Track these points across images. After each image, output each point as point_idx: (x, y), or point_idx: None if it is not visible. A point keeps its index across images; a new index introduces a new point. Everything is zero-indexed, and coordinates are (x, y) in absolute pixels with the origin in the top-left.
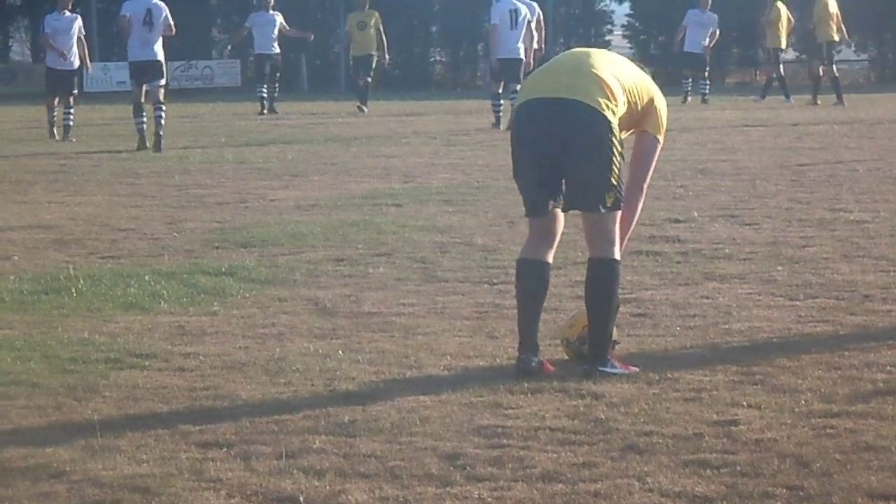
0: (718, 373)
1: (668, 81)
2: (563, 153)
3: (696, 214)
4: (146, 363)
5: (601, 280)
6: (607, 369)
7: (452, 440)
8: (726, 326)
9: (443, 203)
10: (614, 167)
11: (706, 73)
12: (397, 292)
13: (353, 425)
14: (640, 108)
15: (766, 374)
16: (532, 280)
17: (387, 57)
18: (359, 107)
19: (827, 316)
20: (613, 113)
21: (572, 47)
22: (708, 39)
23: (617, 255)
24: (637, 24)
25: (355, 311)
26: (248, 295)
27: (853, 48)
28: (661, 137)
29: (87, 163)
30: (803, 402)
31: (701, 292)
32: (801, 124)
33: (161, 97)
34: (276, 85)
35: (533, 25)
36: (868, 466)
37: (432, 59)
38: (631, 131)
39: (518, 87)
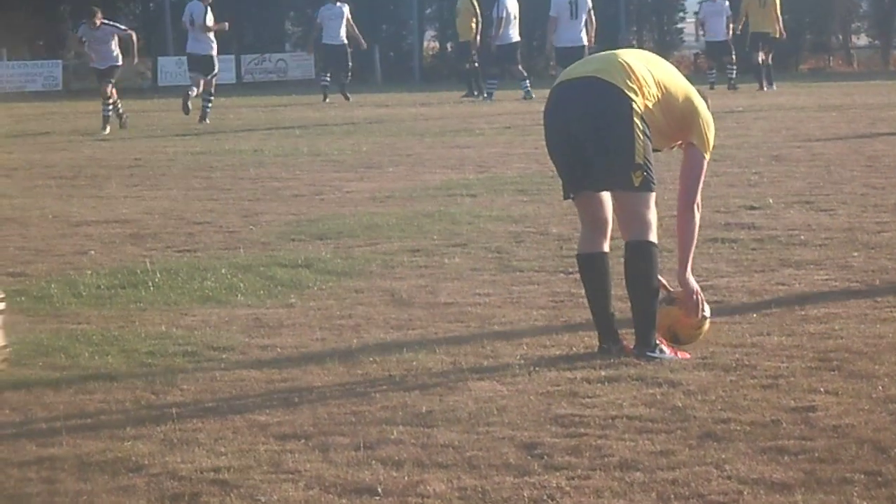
0: (795, 359)
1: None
2: (589, 131)
3: (770, 201)
4: (223, 356)
5: (638, 263)
6: (655, 354)
7: (530, 429)
8: (802, 313)
9: (517, 193)
10: (638, 145)
11: (733, 59)
12: (473, 282)
13: (430, 415)
14: (677, 109)
15: (843, 360)
16: (593, 274)
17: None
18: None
19: None
20: (638, 95)
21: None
22: (726, 27)
23: (652, 237)
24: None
25: (431, 302)
26: (324, 287)
27: None
28: (707, 154)
29: (162, 157)
30: (881, 387)
31: (777, 279)
32: (874, 108)
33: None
34: (349, 74)
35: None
36: None
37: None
38: (677, 143)
39: None
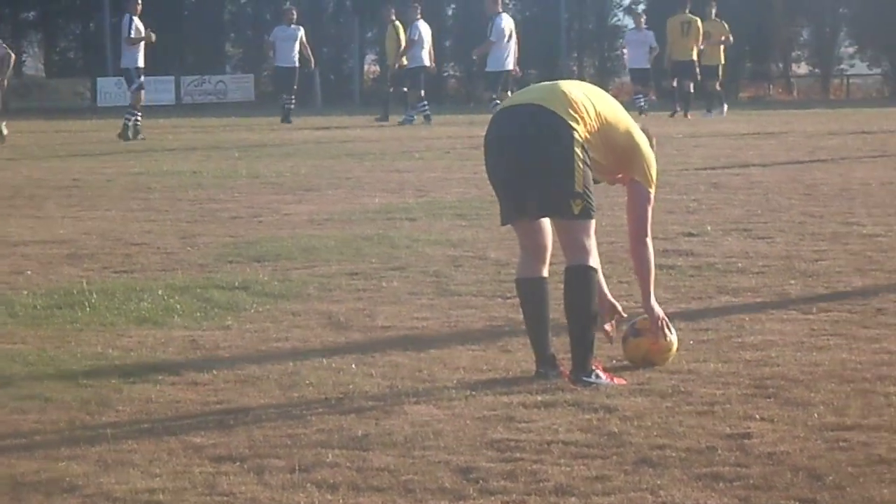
0: (731, 386)
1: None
2: (530, 158)
3: (709, 228)
4: (159, 377)
5: (577, 288)
6: (591, 379)
7: (465, 454)
8: (739, 340)
9: (456, 217)
10: (578, 174)
11: (650, 88)
12: (411, 306)
13: (366, 439)
14: (618, 142)
15: (779, 388)
16: (531, 299)
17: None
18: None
19: (840, 329)
20: (580, 125)
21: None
22: (649, 55)
23: (592, 263)
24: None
25: (369, 325)
26: (261, 309)
27: (867, 63)
28: (651, 189)
29: (101, 178)
30: (816, 415)
31: (714, 306)
32: (814, 137)
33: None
34: (293, 97)
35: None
36: (881, 479)
37: (446, 74)
38: (618, 177)
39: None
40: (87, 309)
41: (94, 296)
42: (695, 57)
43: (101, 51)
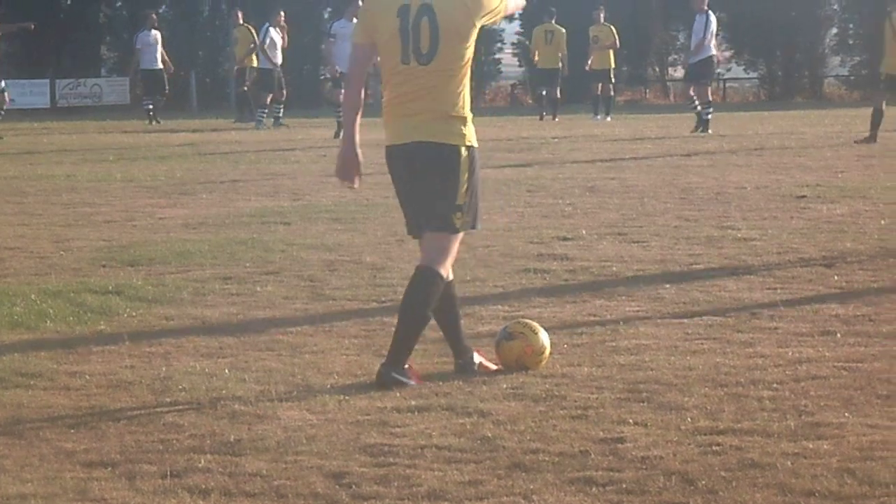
0: (605, 390)
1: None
2: (420, 177)
3: (584, 232)
4: (31, 382)
5: (422, 287)
6: (400, 377)
7: (338, 459)
8: (613, 344)
9: (332, 221)
10: (461, 190)
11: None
12: (285, 311)
13: (238, 444)
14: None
15: (653, 392)
16: (440, 303)
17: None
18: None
19: (714, 333)
20: (464, 125)
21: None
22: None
23: (445, 272)
24: (527, 43)
25: (242, 330)
26: (134, 314)
27: (743, 66)
28: None
29: None
30: (689, 419)
31: (588, 310)
32: (690, 141)
33: None
34: (163, 98)
35: None
36: (754, 484)
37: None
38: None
39: None
40: (48, 322)
41: (51, 309)
42: (559, 64)
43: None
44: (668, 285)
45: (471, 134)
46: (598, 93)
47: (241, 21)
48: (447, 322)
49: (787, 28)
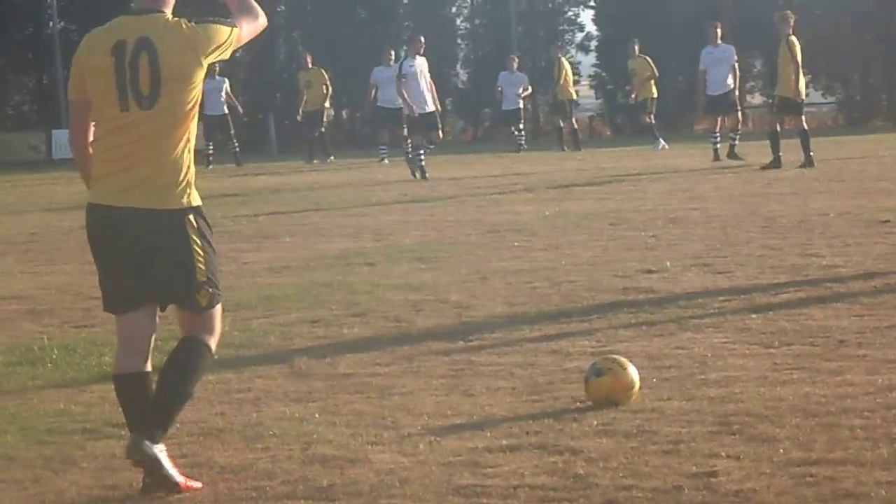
0: (696, 424)
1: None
2: (148, 249)
3: (668, 264)
4: (122, 433)
5: (189, 359)
6: (153, 450)
7: (432, 501)
8: (702, 377)
9: (415, 260)
10: (199, 263)
11: (520, 125)
12: (372, 353)
13: (331, 489)
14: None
15: (744, 424)
16: (131, 395)
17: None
18: (313, 159)
19: (802, 363)
20: (189, 185)
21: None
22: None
23: (212, 343)
24: (604, 75)
25: (331, 373)
26: (223, 360)
27: (821, 91)
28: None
29: (58, 232)
30: (781, 450)
31: (676, 343)
32: (770, 168)
33: None
34: (235, 142)
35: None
36: None
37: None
38: None
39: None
40: (49, 365)
41: (55, 352)
42: (570, 96)
43: (55, 104)
44: (754, 315)
45: (195, 193)
46: (647, 121)
47: (311, 64)
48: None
49: (863, 52)
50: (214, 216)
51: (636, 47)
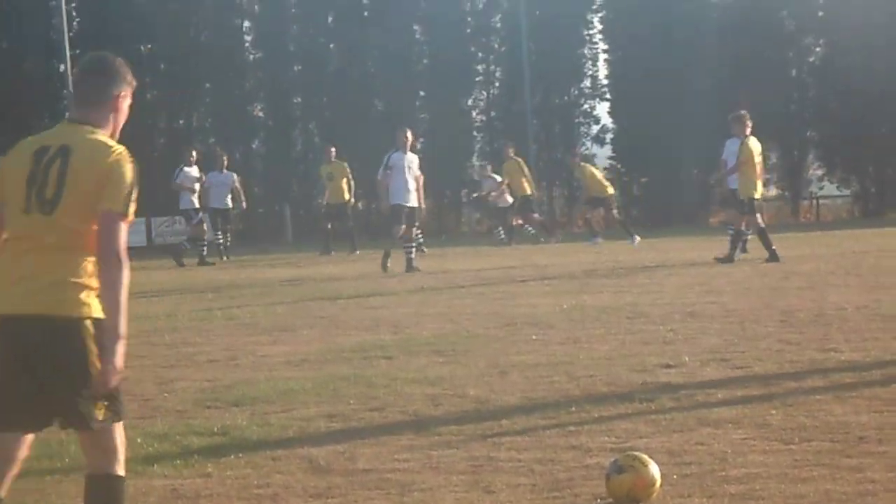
0: None
1: (653, 222)
2: (40, 365)
3: (686, 359)
4: None
5: (100, 497)
6: None
7: None
8: (723, 473)
9: (433, 354)
10: (93, 373)
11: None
12: (391, 447)
13: None
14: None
15: None
16: None
17: (351, 200)
18: (331, 251)
19: (823, 459)
20: (89, 294)
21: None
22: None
23: (120, 471)
24: (619, 167)
25: (350, 469)
26: (241, 455)
27: (836, 184)
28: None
29: None
30: None
31: (696, 438)
32: (786, 261)
33: None
34: (228, 236)
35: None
36: None
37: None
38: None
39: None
40: (66, 459)
41: (73, 446)
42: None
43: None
44: (774, 411)
45: (96, 304)
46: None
47: (333, 157)
48: None
49: (878, 144)
50: (231, 309)
51: (511, 150)
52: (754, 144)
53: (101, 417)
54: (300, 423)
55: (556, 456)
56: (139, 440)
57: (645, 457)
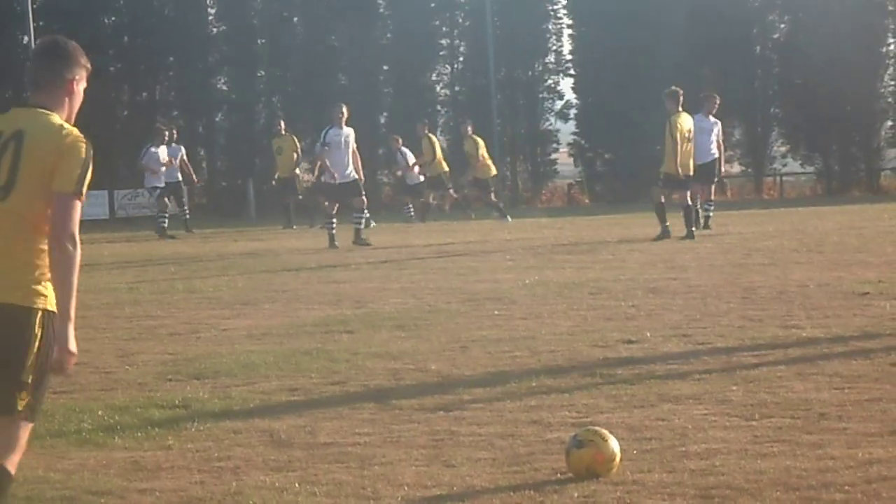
0: (677, 497)
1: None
2: None
3: (648, 335)
4: (102, 500)
5: None
6: None
7: None
8: (683, 449)
9: (395, 328)
10: (28, 362)
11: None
12: (352, 421)
13: None
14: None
15: (725, 497)
16: None
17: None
18: (292, 224)
19: (783, 435)
20: (43, 284)
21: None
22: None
23: (11, 468)
24: (583, 143)
25: (310, 443)
26: (202, 428)
27: (800, 161)
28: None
29: None
30: None
31: (656, 414)
32: (750, 238)
33: None
34: (186, 209)
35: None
36: None
37: (381, 181)
38: None
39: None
40: None
41: None
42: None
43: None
44: (734, 387)
45: (51, 297)
46: (492, 200)
47: (283, 130)
48: None
49: (842, 122)
50: (193, 283)
51: (469, 128)
52: (683, 120)
53: (20, 407)
54: (262, 396)
55: (516, 430)
56: (100, 412)
57: (605, 432)
